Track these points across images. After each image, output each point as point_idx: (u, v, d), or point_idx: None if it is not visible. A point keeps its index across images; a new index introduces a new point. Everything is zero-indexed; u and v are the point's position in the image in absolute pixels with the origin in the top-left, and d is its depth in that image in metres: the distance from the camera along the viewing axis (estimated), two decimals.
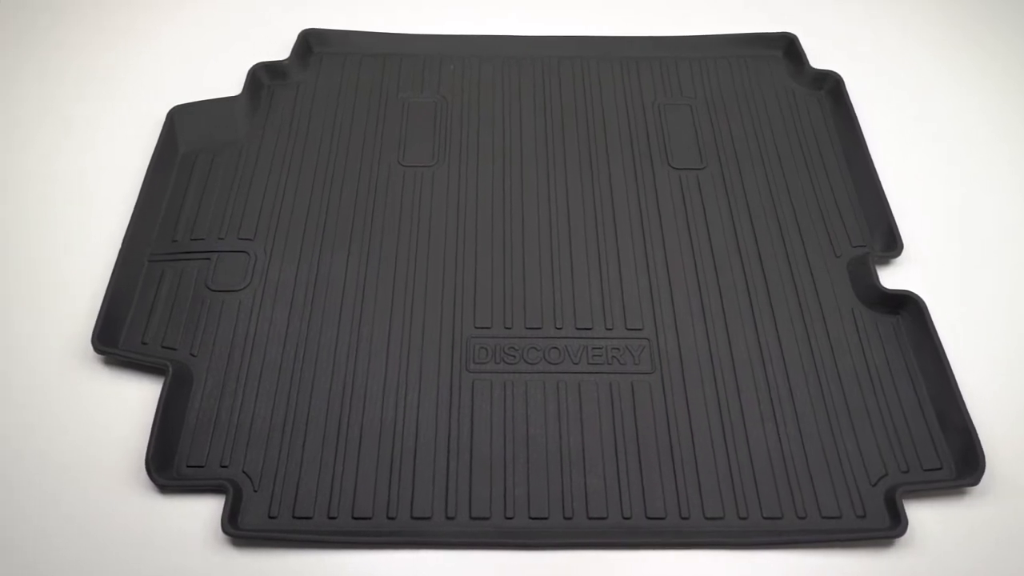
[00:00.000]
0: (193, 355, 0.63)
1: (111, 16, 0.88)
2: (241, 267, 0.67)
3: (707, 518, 0.56)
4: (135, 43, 0.85)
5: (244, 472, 0.58)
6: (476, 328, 0.65)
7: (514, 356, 0.63)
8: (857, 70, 0.83)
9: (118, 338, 0.63)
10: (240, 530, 0.55)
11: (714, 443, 0.60)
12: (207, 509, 0.57)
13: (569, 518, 0.56)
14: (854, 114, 0.78)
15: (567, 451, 0.59)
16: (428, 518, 0.56)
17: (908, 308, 0.66)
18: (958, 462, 0.59)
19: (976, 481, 0.57)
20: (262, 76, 0.80)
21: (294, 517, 0.56)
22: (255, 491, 0.57)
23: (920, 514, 0.57)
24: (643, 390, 0.62)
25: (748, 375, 0.63)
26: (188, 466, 0.58)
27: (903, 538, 0.56)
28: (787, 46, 0.85)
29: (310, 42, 0.84)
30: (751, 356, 0.64)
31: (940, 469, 0.59)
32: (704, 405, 0.61)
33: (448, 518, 0.56)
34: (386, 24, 0.86)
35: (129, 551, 0.55)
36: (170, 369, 0.60)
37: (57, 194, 0.73)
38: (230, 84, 0.80)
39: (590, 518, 0.56)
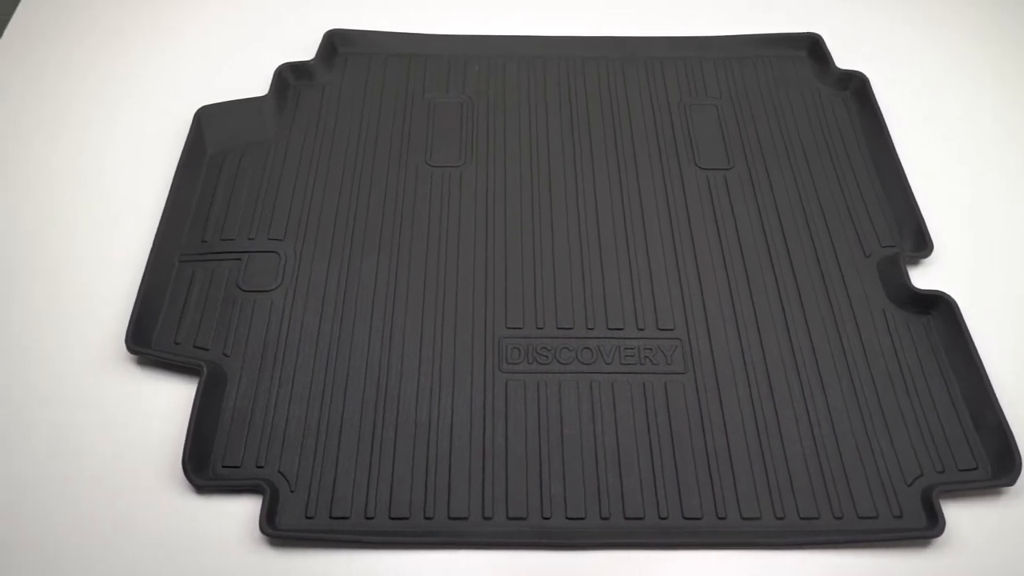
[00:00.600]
0: (226, 355, 0.63)
1: (133, 15, 0.88)
2: (272, 267, 0.67)
3: (744, 518, 0.56)
4: (159, 43, 0.85)
5: (280, 472, 0.58)
6: (508, 328, 0.65)
7: (547, 356, 0.63)
8: (882, 70, 0.83)
9: (151, 338, 0.63)
10: (278, 530, 0.55)
11: (749, 443, 0.59)
12: (243, 509, 0.57)
13: (606, 518, 0.56)
14: (880, 114, 0.78)
15: (602, 451, 0.59)
16: (465, 518, 0.56)
17: (939, 308, 0.65)
18: (993, 462, 0.59)
19: (1012, 481, 0.57)
20: (288, 76, 0.80)
21: (331, 517, 0.56)
22: (291, 491, 0.57)
23: (955, 514, 0.57)
24: (676, 390, 0.62)
25: (781, 375, 0.63)
26: (224, 466, 0.58)
27: (939, 538, 0.55)
28: (811, 46, 0.85)
29: (335, 42, 0.84)
30: (783, 356, 0.64)
31: (975, 469, 0.59)
32: (738, 405, 0.61)
33: (485, 518, 0.56)
34: (409, 24, 0.86)
35: (166, 551, 0.55)
36: (204, 369, 0.60)
37: (86, 194, 0.73)
38: (255, 84, 0.80)
39: (627, 518, 0.56)
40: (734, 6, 0.90)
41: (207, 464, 0.58)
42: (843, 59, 0.83)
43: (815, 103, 0.80)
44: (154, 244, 0.67)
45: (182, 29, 0.87)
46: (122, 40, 0.85)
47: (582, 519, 0.56)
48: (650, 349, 0.64)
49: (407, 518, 0.56)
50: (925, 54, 0.86)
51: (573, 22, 0.88)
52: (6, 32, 0.85)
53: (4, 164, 0.74)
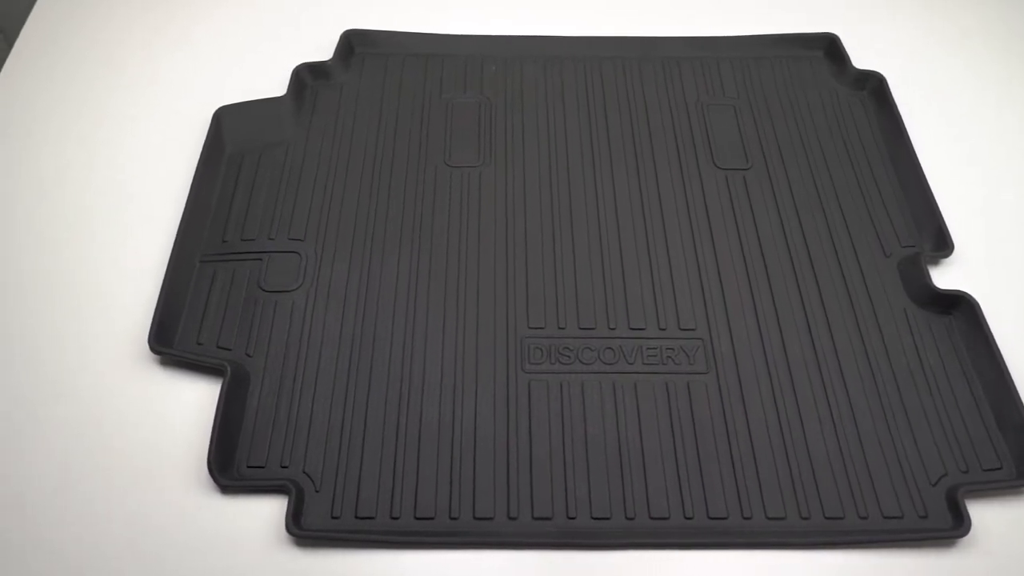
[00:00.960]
0: (249, 355, 0.63)
1: (149, 15, 0.88)
2: (293, 268, 0.67)
3: (769, 518, 0.56)
4: (176, 43, 0.85)
5: (305, 472, 0.58)
6: (530, 328, 0.65)
7: (569, 356, 0.63)
8: (899, 69, 0.83)
9: (173, 339, 0.63)
10: (304, 530, 0.55)
11: (772, 443, 0.59)
12: (268, 509, 0.57)
13: (631, 518, 0.56)
14: (898, 114, 0.78)
15: (626, 451, 0.59)
16: (491, 518, 0.56)
17: (961, 308, 0.66)
18: (1017, 462, 0.59)
19: None
20: (305, 76, 0.80)
21: (357, 517, 0.56)
22: (316, 491, 0.57)
23: (980, 514, 0.57)
24: (699, 390, 0.62)
25: (803, 375, 0.63)
26: (248, 466, 0.58)
27: (965, 539, 0.56)
28: (828, 46, 0.85)
29: (352, 42, 0.84)
30: (805, 356, 0.64)
31: (1000, 469, 0.59)
32: (761, 405, 0.61)
33: (511, 518, 0.56)
34: (425, 24, 0.86)
35: (192, 551, 0.55)
36: (228, 370, 0.60)
37: (105, 195, 0.73)
38: (272, 84, 0.80)
39: (652, 518, 0.56)
40: (750, 6, 0.90)
41: (232, 464, 0.58)
42: (859, 59, 0.83)
43: (832, 103, 0.80)
44: (175, 244, 0.67)
45: (198, 29, 0.87)
46: (139, 40, 0.85)
47: (607, 519, 0.56)
48: (672, 349, 0.64)
49: (432, 518, 0.56)
50: (942, 54, 0.86)
51: (589, 22, 0.88)
52: (22, 33, 0.85)
53: (23, 165, 0.74)
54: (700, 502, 0.57)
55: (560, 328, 0.65)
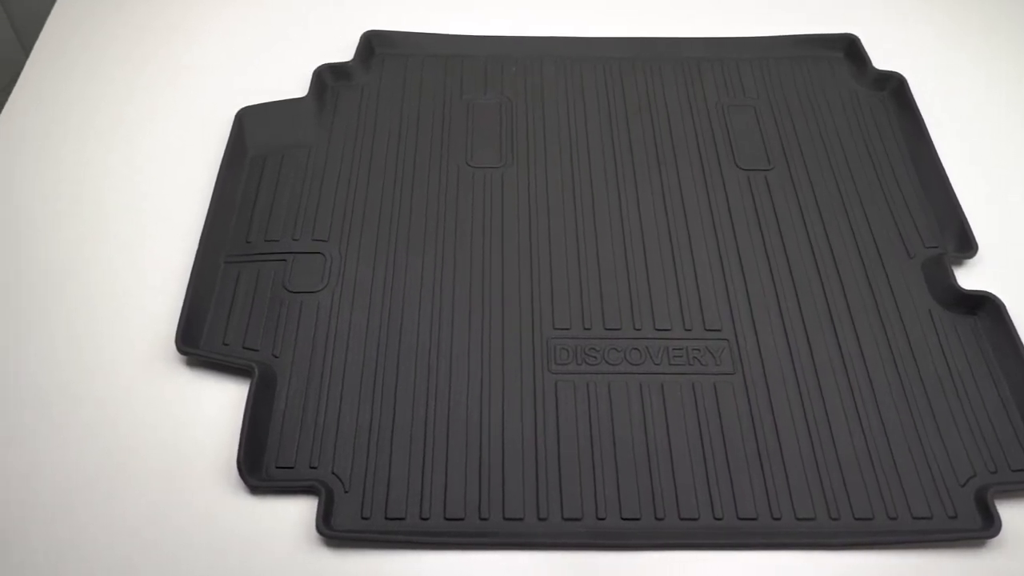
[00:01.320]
0: (275, 356, 0.63)
1: (168, 16, 0.88)
2: (317, 268, 0.67)
3: (799, 519, 0.56)
4: (194, 45, 0.85)
5: (334, 473, 0.58)
6: (555, 329, 0.65)
7: (595, 357, 0.64)
8: (919, 70, 0.83)
9: (199, 339, 0.63)
10: (334, 531, 0.55)
11: (800, 444, 0.59)
12: (297, 510, 0.57)
13: (661, 519, 0.56)
14: (919, 115, 0.78)
15: (655, 452, 0.59)
16: (520, 519, 0.56)
17: (986, 308, 0.66)
18: None
19: None
20: (327, 77, 0.80)
21: (387, 518, 0.56)
22: (346, 492, 0.57)
23: (1009, 514, 0.57)
24: (726, 391, 0.62)
25: (830, 376, 0.63)
26: (277, 467, 0.58)
27: (995, 539, 0.56)
28: (848, 47, 0.85)
29: (372, 43, 0.84)
30: (831, 357, 0.64)
31: None
32: (788, 406, 0.61)
33: (540, 519, 0.56)
34: (444, 26, 0.86)
35: (221, 552, 0.55)
36: (256, 370, 0.60)
37: (128, 195, 0.73)
38: (291, 86, 0.80)
39: (681, 519, 0.56)
40: (768, 7, 0.90)
41: (261, 465, 0.58)
42: (879, 59, 0.83)
43: (853, 104, 0.81)
44: (200, 245, 0.67)
45: (217, 30, 0.87)
46: (159, 42, 0.85)
47: (637, 520, 0.56)
48: (698, 350, 0.64)
49: (462, 519, 0.56)
50: (962, 53, 0.86)
51: (608, 23, 0.88)
52: (41, 35, 0.85)
53: (45, 168, 0.74)
54: (729, 503, 0.57)
55: (586, 329, 0.65)
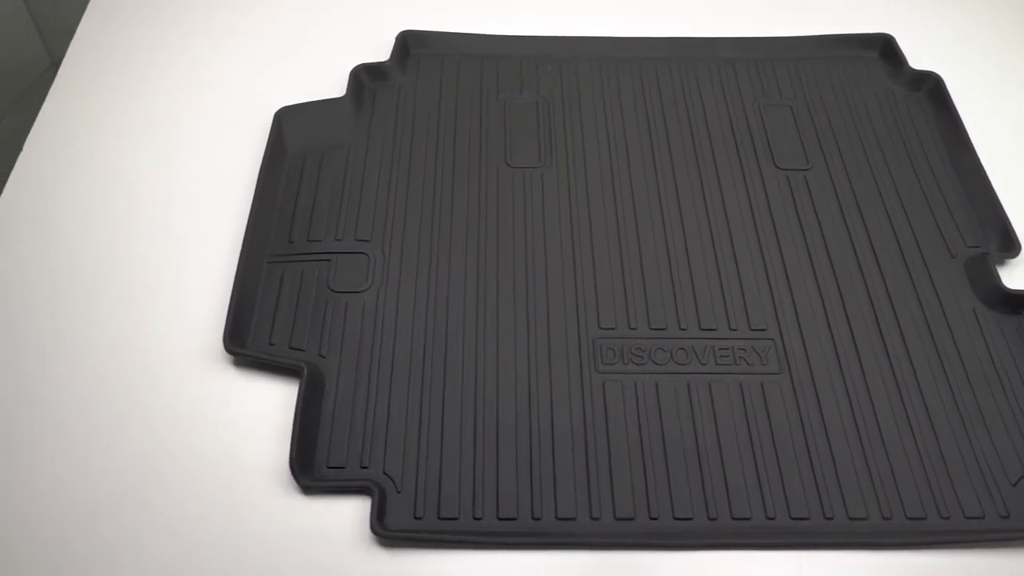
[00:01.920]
0: (322, 356, 0.63)
1: (201, 16, 0.88)
2: (361, 268, 0.68)
3: (851, 518, 0.56)
4: (227, 45, 0.85)
5: (385, 473, 0.58)
6: (601, 329, 0.65)
7: (642, 357, 0.64)
8: (955, 69, 0.83)
9: (246, 339, 0.63)
10: (388, 531, 0.55)
11: (850, 443, 0.59)
12: (349, 510, 0.57)
13: (714, 519, 0.56)
14: (957, 114, 0.78)
15: (705, 451, 0.59)
16: (573, 519, 0.56)
17: None
18: None
19: None
20: (363, 77, 0.80)
21: (440, 518, 0.56)
22: (398, 492, 0.57)
23: None
24: (773, 390, 0.62)
25: (876, 376, 0.63)
26: (329, 467, 0.58)
27: None
28: (883, 47, 0.85)
29: (407, 43, 0.84)
30: (877, 357, 0.64)
31: None
32: (836, 405, 0.61)
33: (593, 519, 0.56)
34: (478, 25, 0.86)
35: (275, 552, 0.55)
36: (305, 370, 0.60)
37: (166, 197, 0.73)
38: (327, 86, 0.80)
39: (734, 519, 0.56)
40: (802, 7, 0.90)
41: (312, 465, 0.58)
42: (915, 58, 0.83)
43: (889, 104, 0.81)
44: (243, 245, 0.67)
45: (251, 31, 0.87)
46: (194, 42, 0.85)
47: (690, 519, 0.56)
48: (744, 349, 0.64)
49: (515, 518, 0.56)
50: (999, 51, 0.86)
51: (640, 23, 0.88)
52: (76, 35, 0.85)
53: (83, 170, 0.74)
54: (781, 502, 0.57)
55: (631, 328, 0.65)
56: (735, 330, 0.65)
